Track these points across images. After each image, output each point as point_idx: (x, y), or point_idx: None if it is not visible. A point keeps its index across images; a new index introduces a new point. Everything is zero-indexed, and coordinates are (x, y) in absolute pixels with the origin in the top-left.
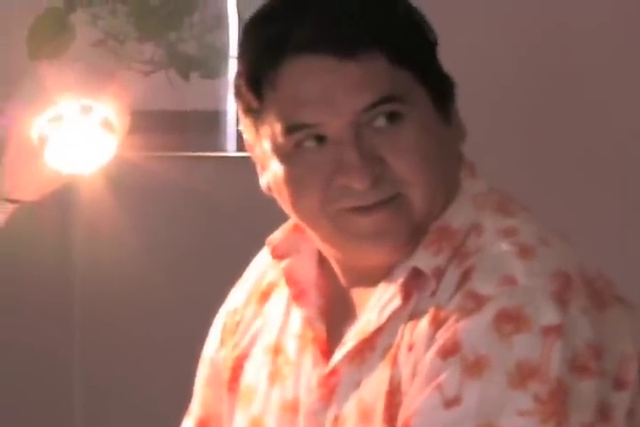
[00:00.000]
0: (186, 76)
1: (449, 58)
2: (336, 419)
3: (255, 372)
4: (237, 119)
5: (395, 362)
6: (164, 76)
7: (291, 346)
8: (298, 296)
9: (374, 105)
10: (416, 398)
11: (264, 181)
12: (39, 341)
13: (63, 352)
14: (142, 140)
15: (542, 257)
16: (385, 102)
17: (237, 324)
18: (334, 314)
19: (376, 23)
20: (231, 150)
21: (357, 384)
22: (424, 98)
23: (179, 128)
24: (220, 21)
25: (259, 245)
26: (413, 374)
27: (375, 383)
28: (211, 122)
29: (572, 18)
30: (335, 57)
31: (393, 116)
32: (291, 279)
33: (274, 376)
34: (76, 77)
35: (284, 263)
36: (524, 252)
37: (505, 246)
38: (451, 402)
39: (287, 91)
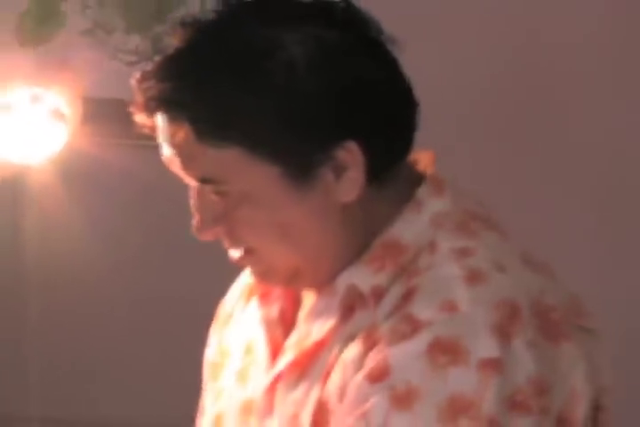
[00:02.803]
0: None
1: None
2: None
3: (231, 369)
4: None
5: (325, 380)
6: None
7: (260, 346)
8: (262, 297)
9: (201, 182)
10: (342, 425)
11: None
12: None
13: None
14: (106, 129)
15: (491, 284)
16: (206, 182)
17: (230, 316)
18: (293, 317)
19: (185, 98)
20: None
21: (293, 398)
22: (265, 173)
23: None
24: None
25: None
26: (341, 395)
27: (309, 400)
28: None
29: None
30: (159, 123)
31: (219, 193)
32: (258, 283)
33: (241, 375)
34: (28, 66)
35: None
36: (473, 277)
37: (454, 269)
38: None
39: None
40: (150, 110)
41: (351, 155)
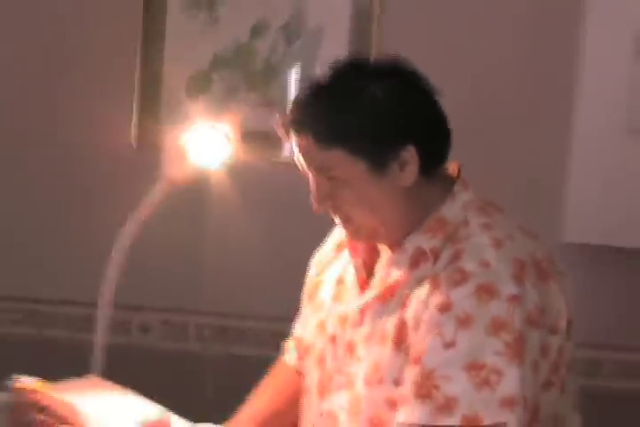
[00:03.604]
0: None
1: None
2: (365, 335)
3: (325, 292)
4: None
5: (404, 307)
6: (268, 111)
7: (349, 280)
8: (352, 251)
9: (311, 169)
10: (423, 342)
11: None
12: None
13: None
14: (250, 149)
15: (507, 248)
16: (320, 171)
17: (322, 263)
18: (372, 263)
19: (309, 118)
20: None
21: (380, 316)
22: (354, 165)
23: (277, 142)
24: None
25: (322, 230)
26: (415, 321)
27: (392, 319)
28: None
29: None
30: (294, 135)
31: (328, 178)
32: (350, 240)
33: (336, 297)
34: (208, 110)
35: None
36: (496, 244)
37: (484, 239)
38: (448, 345)
39: None
40: (287, 129)
41: (410, 154)
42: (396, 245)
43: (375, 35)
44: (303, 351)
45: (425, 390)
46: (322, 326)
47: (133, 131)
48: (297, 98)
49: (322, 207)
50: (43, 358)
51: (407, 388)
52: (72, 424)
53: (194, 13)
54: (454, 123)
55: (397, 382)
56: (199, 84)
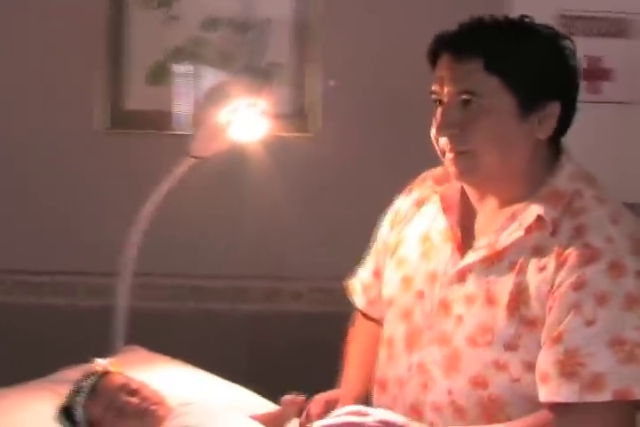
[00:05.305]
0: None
1: None
2: (466, 295)
3: (409, 249)
4: None
5: (519, 273)
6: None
7: (436, 237)
8: (446, 209)
9: (459, 93)
10: (560, 321)
11: None
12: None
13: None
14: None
15: (623, 224)
16: (465, 93)
17: (400, 220)
18: (465, 223)
19: (486, 42)
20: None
21: (486, 278)
22: (506, 99)
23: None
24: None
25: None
26: (539, 287)
27: (501, 282)
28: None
29: None
30: (453, 57)
31: (467, 102)
32: (443, 198)
33: (424, 254)
34: (245, 88)
35: (441, 188)
36: (614, 220)
37: (602, 212)
38: (589, 322)
39: (436, 71)
40: (438, 52)
41: (554, 110)
42: (502, 206)
43: (316, 22)
44: (386, 304)
45: (570, 369)
46: (407, 281)
47: (101, 115)
48: (468, 24)
49: (445, 133)
50: (44, 324)
51: (547, 367)
52: (160, 404)
53: (151, 10)
54: (398, 108)
55: (508, 347)
56: (158, 74)
